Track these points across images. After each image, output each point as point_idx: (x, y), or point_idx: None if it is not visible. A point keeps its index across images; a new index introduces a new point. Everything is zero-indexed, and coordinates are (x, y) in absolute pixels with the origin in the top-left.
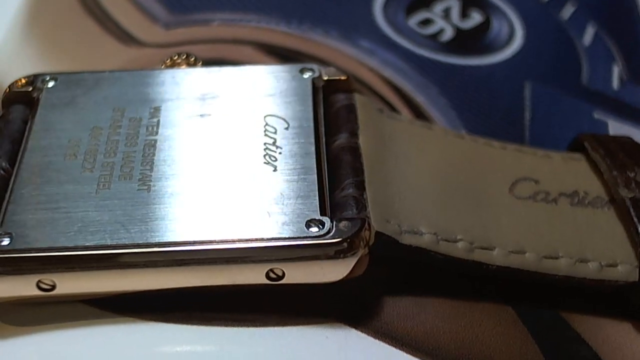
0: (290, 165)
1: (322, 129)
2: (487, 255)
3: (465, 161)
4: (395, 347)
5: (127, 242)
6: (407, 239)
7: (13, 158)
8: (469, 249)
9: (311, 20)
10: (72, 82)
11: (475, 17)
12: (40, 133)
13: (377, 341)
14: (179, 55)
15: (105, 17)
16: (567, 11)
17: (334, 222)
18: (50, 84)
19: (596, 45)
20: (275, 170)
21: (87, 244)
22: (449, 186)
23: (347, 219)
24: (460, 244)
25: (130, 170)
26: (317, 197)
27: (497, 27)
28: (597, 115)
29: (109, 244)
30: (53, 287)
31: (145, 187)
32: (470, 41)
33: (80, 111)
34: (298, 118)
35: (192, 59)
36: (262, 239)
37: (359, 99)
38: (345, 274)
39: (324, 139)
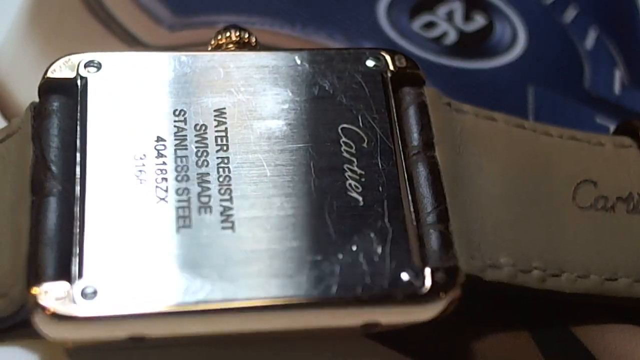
0: (375, 196)
1: (398, 141)
2: (557, 283)
3: (529, 160)
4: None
5: (220, 298)
6: (489, 275)
7: (68, 168)
8: (542, 278)
9: (315, 23)
10: (120, 69)
11: (479, 20)
12: (97, 142)
13: (382, 347)
14: (228, 31)
15: (109, 19)
16: (569, 15)
17: (428, 271)
18: (95, 70)
19: (598, 50)
20: (361, 204)
21: (178, 302)
22: (519, 197)
23: (442, 269)
24: (534, 273)
25: (209, 201)
26: (408, 239)
27: (500, 30)
28: (599, 120)
29: (202, 300)
30: (142, 340)
31: (229, 225)
32: (473, 44)
33: (137, 112)
34: (375, 129)
35: (245, 36)
36: (358, 295)
37: (428, 95)
38: (435, 315)
39: (402, 155)
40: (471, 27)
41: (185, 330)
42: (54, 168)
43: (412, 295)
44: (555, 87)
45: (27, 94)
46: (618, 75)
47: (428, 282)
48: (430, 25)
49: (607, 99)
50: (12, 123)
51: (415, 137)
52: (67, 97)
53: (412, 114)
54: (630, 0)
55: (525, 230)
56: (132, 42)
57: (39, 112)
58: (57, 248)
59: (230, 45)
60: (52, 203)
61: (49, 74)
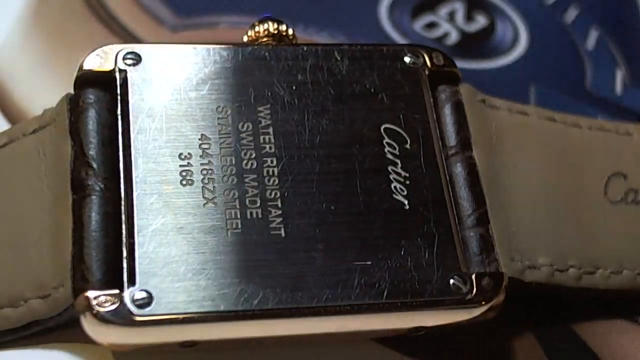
0: (420, 199)
1: (439, 142)
2: (592, 280)
3: (561, 155)
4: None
5: (273, 307)
6: (528, 276)
7: (110, 165)
8: (577, 276)
9: (317, 23)
10: (159, 62)
11: (480, 21)
12: (139, 140)
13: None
14: (265, 24)
15: (111, 19)
16: (571, 15)
17: (474, 277)
18: (134, 63)
19: (599, 50)
20: (406, 207)
21: (232, 309)
22: (553, 195)
23: (487, 274)
24: (570, 272)
25: (258, 204)
26: (454, 244)
27: (502, 30)
28: (601, 120)
29: (257, 305)
30: (194, 344)
31: (278, 229)
32: (475, 45)
33: (181, 109)
34: (416, 129)
35: (283, 29)
36: (408, 301)
37: (464, 92)
38: (481, 319)
39: (443, 157)
40: (473, 27)
41: (239, 334)
42: (95, 165)
43: (460, 301)
44: (557, 87)
45: (27, 94)
46: (619, 75)
47: (475, 288)
48: (431, 25)
49: (609, 99)
50: (45, 114)
51: (452, 137)
52: (105, 90)
53: (448, 113)
54: (631, 1)
55: (561, 228)
56: (134, 42)
57: (75, 105)
58: (104, 250)
59: (266, 39)
60: (95, 202)
61: (86, 66)
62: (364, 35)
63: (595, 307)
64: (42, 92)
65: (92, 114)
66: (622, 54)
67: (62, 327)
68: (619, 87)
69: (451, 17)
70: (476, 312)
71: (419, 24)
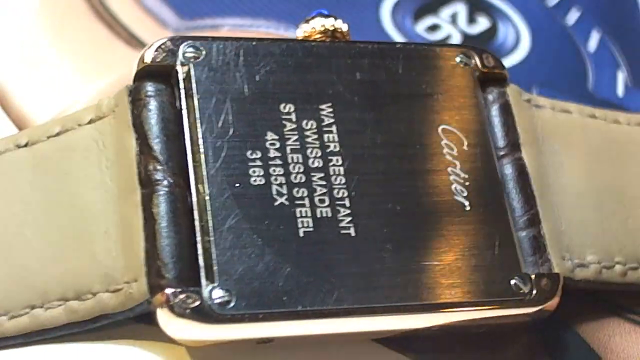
0: (479, 200)
1: (492, 143)
2: (636, 275)
3: (604, 152)
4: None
5: (348, 307)
6: (578, 274)
7: (176, 160)
8: (623, 272)
9: None
10: (222, 55)
11: (482, 23)
12: (206, 135)
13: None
14: (319, 20)
15: (114, 22)
16: (572, 17)
17: (534, 278)
18: (197, 57)
19: (601, 51)
20: (467, 208)
21: (310, 308)
22: (599, 192)
23: (546, 276)
24: (617, 268)
25: (327, 203)
26: (514, 245)
27: (504, 32)
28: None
29: (332, 308)
30: (270, 341)
31: (348, 228)
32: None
33: (246, 105)
34: (472, 131)
35: (338, 26)
36: (473, 301)
37: (511, 93)
38: (539, 319)
39: (497, 158)
40: (475, 29)
41: (315, 332)
42: (162, 160)
43: (521, 301)
44: (559, 89)
45: (29, 96)
46: (621, 77)
47: (534, 289)
48: (434, 27)
49: (610, 100)
50: (101, 104)
51: (501, 138)
52: (166, 83)
53: (496, 115)
54: (632, 2)
55: (607, 225)
56: (138, 45)
57: (137, 98)
58: (178, 247)
59: (320, 35)
60: (166, 198)
61: (147, 59)
62: (366, 38)
63: (600, 310)
64: (45, 94)
65: (155, 108)
66: (623, 55)
67: (128, 321)
68: (620, 88)
69: (453, 19)
70: (535, 312)
71: (421, 26)
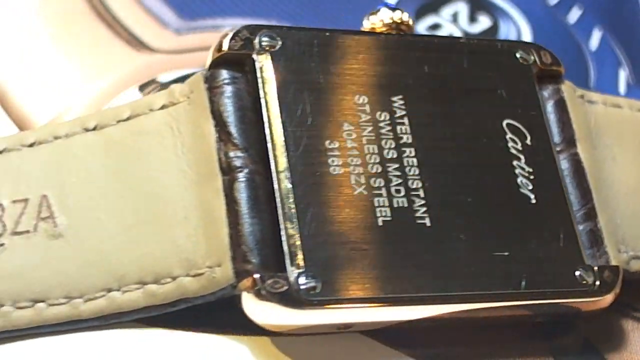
0: (543, 193)
1: (551, 139)
2: None
3: None
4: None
5: (426, 295)
6: (633, 266)
7: (256, 148)
8: None
9: (320, 26)
10: (297, 45)
11: (483, 22)
12: (283, 124)
13: (395, 351)
14: (385, 12)
15: (114, 22)
16: (574, 15)
17: (597, 271)
18: (274, 46)
19: (603, 50)
20: (532, 201)
21: (392, 295)
22: None
23: (607, 268)
24: None
25: (402, 193)
26: (576, 238)
27: (505, 31)
28: None
29: (412, 295)
30: (349, 326)
31: (423, 218)
32: None
33: (321, 95)
34: (533, 126)
35: (405, 18)
36: (542, 291)
37: (565, 90)
38: (600, 310)
39: (556, 153)
40: (476, 28)
41: (395, 318)
42: (242, 147)
43: (585, 293)
44: None
45: (29, 96)
46: (623, 75)
47: (597, 280)
48: (435, 27)
49: None
50: (173, 90)
51: (557, 134)
52: (242, 71)
53: (552, 111)
54: (634, 0)
55: None
56: (138, 45)
57: (214, 85)
58: (261, 233)
59: (384, 28)
60: (248, 185)
61: (224, 47)
62: None
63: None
64: (45, 94)
65: (233, 95)
66: (625, 53)
67: (209, 305)
68: (622, 86)
69: (454, 18)
70: (599, 303)
71: (422, 26)
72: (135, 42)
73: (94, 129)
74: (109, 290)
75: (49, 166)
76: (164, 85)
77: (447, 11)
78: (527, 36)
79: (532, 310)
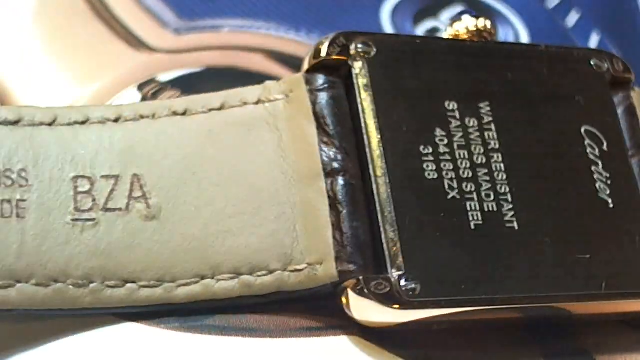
0: (621, 199)
1: (626, 144)
2: None
3: None
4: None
5: (517, 296)
6: None
7: (356, 152)
8: None
9: (320, 28)
10: (391, 52)
11: None
12: (381, 130)
13: (391, 355)
14: (470, 19)
15: (114, 21)
16: (572, 19)
17: None
18: (369, 53)
19: None
20: (610, 205)
21: (484, 296)
22: None
23: None
24: None
25: (492, 198)
26: None
27: (503, 34)
28: None
29: (504, 297)
30: (441, 324)
31: (512, 222)
32: None
33: (414, 101)
34: (609, 132)
35: (488, 26)
36: (622, 293)
37: (635, 97)
38: None
39: (630, 159)
40: None
41: (485, 316)
42: (344, 150)
43: None
44: None
45: (29, 96)
46: None
47: None
48: (434, 31)
49: None
50: (268, 87)
51: (628, 140)
52: (338, 77)
53: (622, 117)
54: (632, 4)
55: None
56: (138, 44)
57: (315, 88)
58: (363, 236)
59: (467, 35)
60: (348, 187)
61: (323, 53)
62: None
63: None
64: (44, 94)
65: (333, 99)
66: (623, 57)
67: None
68: None
69: (453, 22)
70: None
71: (421, 30)
72: (135, 42)
73: (184, 113)
74: (202, 278)
75: (139, 144)
76: (164, 85)
77: (445, 15)
78: (524, 40)
79: (610, 310)
